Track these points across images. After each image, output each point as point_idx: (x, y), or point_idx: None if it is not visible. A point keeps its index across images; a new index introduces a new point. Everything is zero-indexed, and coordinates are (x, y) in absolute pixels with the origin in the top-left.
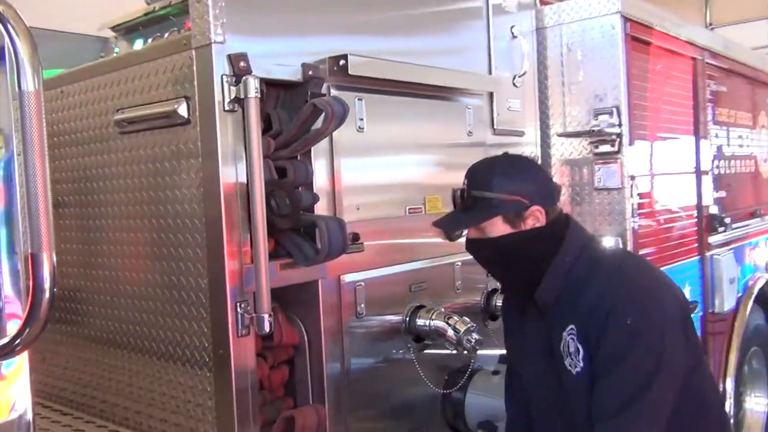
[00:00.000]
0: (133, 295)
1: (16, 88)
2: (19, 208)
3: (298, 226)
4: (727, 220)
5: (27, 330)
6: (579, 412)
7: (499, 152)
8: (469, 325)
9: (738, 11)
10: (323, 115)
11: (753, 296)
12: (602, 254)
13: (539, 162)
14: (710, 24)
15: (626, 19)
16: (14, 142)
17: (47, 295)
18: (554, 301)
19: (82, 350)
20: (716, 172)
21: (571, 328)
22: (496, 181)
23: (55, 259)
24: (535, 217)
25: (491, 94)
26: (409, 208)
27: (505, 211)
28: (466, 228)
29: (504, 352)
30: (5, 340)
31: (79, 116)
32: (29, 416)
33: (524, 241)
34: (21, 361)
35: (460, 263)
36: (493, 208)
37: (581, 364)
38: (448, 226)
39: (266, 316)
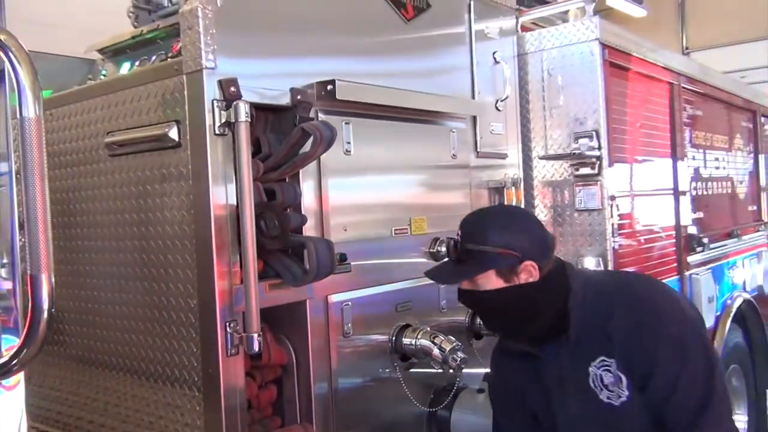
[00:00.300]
0: (121, 315)
1: (17, 113)
2: (18, 230)
3: (286, 247)
4: (705, 240)
5: (25, 350)
6: None
7: (483, 175)
8: (454, 344)
9: (712, 36)
10: (312, 138)
11: (731, 315)
12: (602, 281)
13: (522, 185)
14: (686, 48)
15: (604, 46)
16: (12, 164)
17: (45, 315)
18: (577, 336)
19: (70, 371)
20: (694, 193)
21: (602, 360)
22: (490, 234)
23: (53, 280)
24: (528, 272)
25: (474, 118)
26: (395, 229)
27: (498, 265)
28: (460, 281)
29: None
30: (3, 360)
31: (69, 138)
32: None
33: (516, 295)
34: (17, 384)
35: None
36: (487, 262)
37: (626, 392)
38: (440, 279)
39: (255, 335)
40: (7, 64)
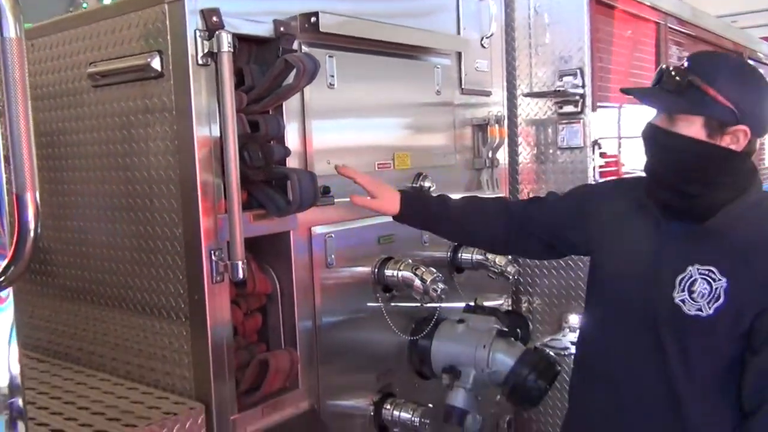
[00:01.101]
0: (108, 245)
1: None
2: (2, 153)
3: (270, 178)
4: None
5: (12, 267)
6: (673, 348)
7: (467, 113)
8: (435, 275)
9: None
10: (295, 70)
11: None
12: None
13: (505, 122)
14: None
15: None
16: None
17: (31, 234)
18: (709, 234)
19: (60, 302)
20: None
21: (710, 271)
22: (722, 79)
23: (39, 199)
24: (736, 138)
25: (459, 55)
26: (378, 164)
27: (714, 114)
28: (668, 111)
29: (468, 304)
30: None
31: (51, 69)
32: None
33: (710, 155)
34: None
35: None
36: (704, 106)
37: (710, 311)
38: (646, 100)
39: (240, 263)
40: None
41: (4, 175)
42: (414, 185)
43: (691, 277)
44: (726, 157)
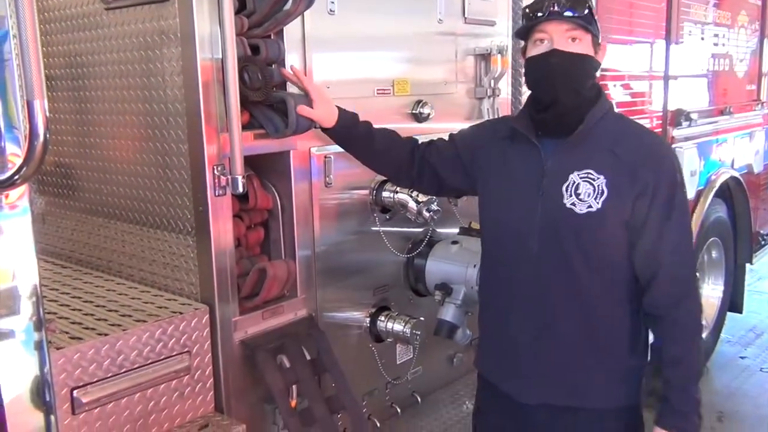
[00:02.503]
0: (125, 161)
1: None
2: (15, 64)
3: (269, 101)
4: (694, 116)
5: (24, 168)
6: (573, 248)
7: (470, 43)
8: (429, 197)
9: None
10: None
11: (714, 189)
12: (624, 115)
13: (508, 52)
14: None
15: None
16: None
17: (41, 138)
18: (578, 143)
19: (80, 214)
20: (687, 69)
21: (588, 173)
22: (591, 4)
23: (47, 106)
24: (604, 51)
25: None
26: (378, 89)
27: (596, 32)
28: (582, 28)
29: (462, 226)
30: (6, 175)
31: None
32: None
33: (594, 68)
34: (25, 221)
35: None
36: (594, 24)
37: (599, 205)
38: (569, 22)
39: (239, 177)
40: None
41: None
42: (414, 111)
43: (574, 182)
44: (597, 69)
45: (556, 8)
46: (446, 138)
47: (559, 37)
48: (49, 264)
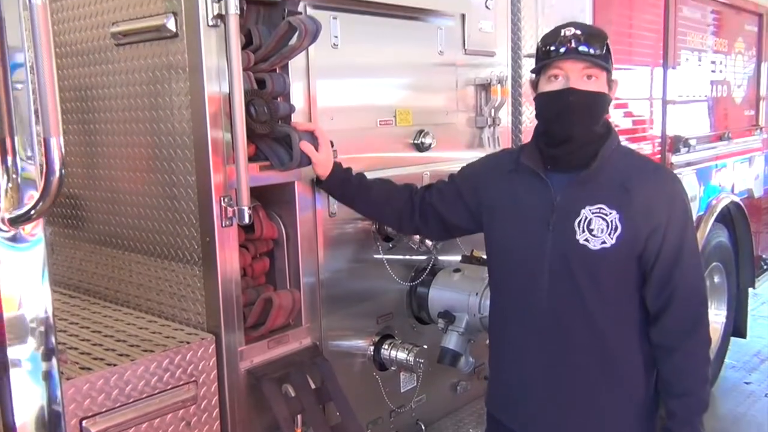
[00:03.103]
0: (133, 193)
1: (27, 2)
2: (32, 99)
3: (274, 135)
4: (692, 142)
5: (41, 203)
6: (587, 283)
7: (470, 73)
8: None
9: None
10: (297, 32)
11: (714, 214)
12: (634, 150)
13: (508, 82)
14: None
15: None
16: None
17: (57, 174)
18: (589, 178)
19: (89, 245)
20: (685, 95)
21: (600, 208)
22: (608, 42)
23: (63, 143)
24: (616, 86)
25: (463, 16)
26: (380, 120)
27: (611, 70)
28: (598, 66)
29: (464, 254)
30: (23, 210)
31: (77, 29)
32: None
33: (607, 105)
34: (38, 252)
35: (428, 173)
36: (611, 62)
37: (613, 241)
38: (587, 60)
39: (246, 208)
40: None
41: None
42: (416, 141)
43: (586, 218)
44: (609, 105)
45: (573, 44)
46: (446, 179)
47: (575, 74)
48: (58, 294)
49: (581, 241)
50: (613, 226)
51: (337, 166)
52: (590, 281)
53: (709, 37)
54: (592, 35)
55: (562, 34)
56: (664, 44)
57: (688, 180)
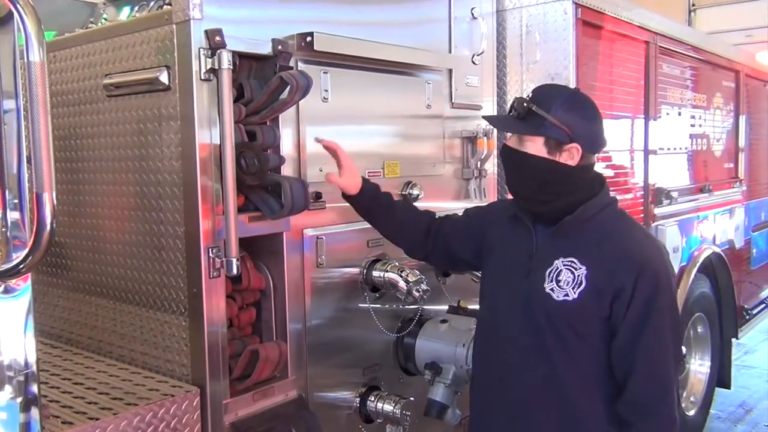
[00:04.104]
0: (119, 242)
1: (24, 57)
2: (24, 156)
3: (265, 184)
4: (674, 194)
5: (30, 257)
6: (549, 332)
7: (457, 125)
8: (419, 276)
9: None
10: (289, 86)
11: (697, 265)
12: (627, 214)
13: (494, 135)
14: (693, 5)
15: (577, 5)
16: (20, 101)
17: (48, 228)
18: (569, 232)
19: (71, 293)
20: (666, 149)
21: (571, 261)
22: (556, 106)
23: (55, 198)
24: (571, 154)
25: (450, 71)
26: (369, 172)
27: (550, 135)
28: (512, 132)
29: (451, 305)
30: (12, 264)
31: (70, 79)
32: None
33: (550, 169)
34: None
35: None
36: (542, 128)
37: (575, 296)
38: (496, 124)
39: (234, 260)
40: (15, 13)
41: (26, 176)
42: (404, 193)
43: (557, 269)
44: (564, 170)
45: (512, 112)
46: (459, 213)
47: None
48: (39, 343)
49: (547, 290)
50: (578, 281)
51: (366, 183)
52: (552, 333)
53: (688, 92)
54: (537, 101)
55: (518, 96)
56: (645, 99)
57: (671, 231)
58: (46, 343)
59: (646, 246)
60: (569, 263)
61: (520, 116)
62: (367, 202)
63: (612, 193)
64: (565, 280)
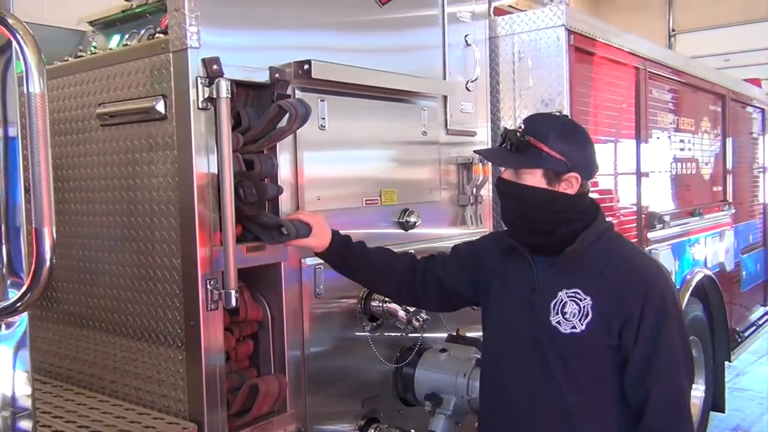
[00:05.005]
0: (111, 274)
1: (24, 89)
2: (23, 189)
3: (262, 222)
4: (666, 218)
5: (28, 294)
6: (558, 365)
7: (452, 152)
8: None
9: (699, 19)
10: (288, 115)
11: (690, 289)
12: (624, 239)
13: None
14: (672, 30)
15: (570, 32)
16: (18, 132)
17: (47, 264)
18: (570, 262)
19: (61, 326)
20: (657, 173)
21: (575, 292)
22: (552, 136)
23: (55, 234)
24: (570, 183)
25: (445, 97)
26: (366, 200)
27: (548, 166)
28: (510, 167)
29: (450, 333)
30: (9, 302)
31: (63, 108)
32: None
33: (550, 199)
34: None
35: (413, 251)
36: (540, 160)
37: (583, 327)
38: (493, 160)
39: (233, 291)
40: (15, 45)
41: (23, 209)
42: (401, 220)
43: (561, 301)
44: (564, 200)
45: (505, 145)
46: (447, 252)
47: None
48: None
49: (553, 323)
50: (585, 312)
51: (335, 237)
52: (561, 365)
53: (677, 117)
54: (532, 132)
55: (508, 128)
56: (636, 123)
57: (664, 255)
58: (35, 379)
59: (649, 269)
60: (573, 294)
61: (516, 149)
62: (337, 256)
63: (607, 218)
64: (571, 311)
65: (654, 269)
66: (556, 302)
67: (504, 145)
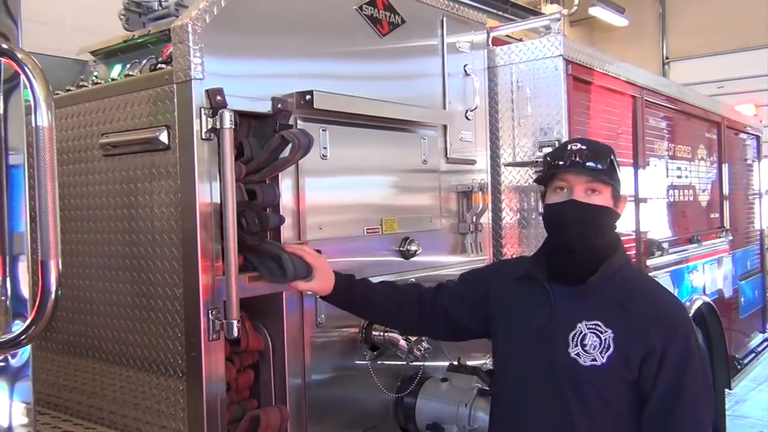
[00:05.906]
0: (111, 304)
1: (32, 122)
2: (28, 220)
3: (264, 252)
4: (665, 245)
5: (33, 327)
6: (574, 399)
7: (452, 180)
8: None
9: (692, 47)
10: (290, 145)
11: (689, 316)
12: (641, 270)
13: (489, 189)
14: (666, 58)
15: (568, 62)
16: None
17: (53, 297)
18: (590, 292)
19: (60, 356)
20: (655, 200)
21: (596, 324)
22: (614, 158)
23: (61, 266)
24: (624, 204)
25: (445, 127)
26: (367, 229)
27: (617, 186)
28: (601, 181)
29: (451, 362)
30: (14, 335)
31: (66, 138)
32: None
33: (614, 221)
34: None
35: (413, 280)
36: (616, 180)
37: (603, 360)
38: (587, 176)
39: (235, 322)
40: (23, 78)
41: (29, 242)
42: (401, 249)
43: (581, 332)
44: (617, 219)
45: (577, 159)
46: (455, 280)
47: (578, 187)
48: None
49: (572, 355)
50: (606, 345)
51: (339, 279)
52: (577, 397)
53: (673, 144)
54: (597, 151)
55: (569, 148)
56: (634, 151)
57: (663, 282)
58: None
59: (673, 306)
60: (594, 326)
61: (603, 169)
62: (342, 299)
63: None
64: (592, 344)
65: (677, 306)
66: (575, 334)
67: (581, 163)
